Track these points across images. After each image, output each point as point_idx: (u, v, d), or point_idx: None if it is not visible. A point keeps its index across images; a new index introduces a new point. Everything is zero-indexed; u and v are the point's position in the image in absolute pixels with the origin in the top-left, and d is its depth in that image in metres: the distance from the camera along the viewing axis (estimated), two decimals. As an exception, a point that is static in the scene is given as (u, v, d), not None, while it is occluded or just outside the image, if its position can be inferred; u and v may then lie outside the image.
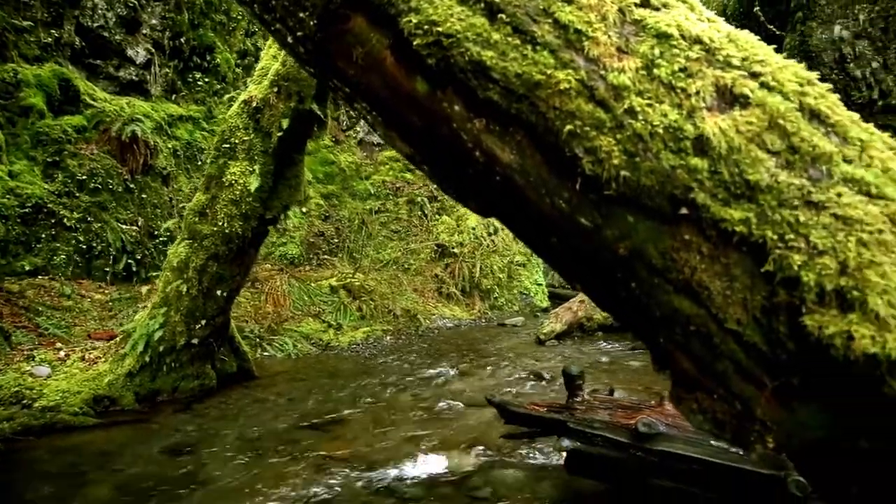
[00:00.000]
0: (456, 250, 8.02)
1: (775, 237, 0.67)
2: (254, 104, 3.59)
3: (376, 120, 1.04)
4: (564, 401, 2.41)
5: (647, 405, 2.27)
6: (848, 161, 0.70)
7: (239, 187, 3.69)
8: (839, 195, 0.67)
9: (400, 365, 5.07)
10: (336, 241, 7.87)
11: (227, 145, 3.69)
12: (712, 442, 1.99)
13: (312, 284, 7.08)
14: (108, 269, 5.35)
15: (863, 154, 0.70)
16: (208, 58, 6.51)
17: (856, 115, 0.76)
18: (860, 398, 0.67)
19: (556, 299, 8.34)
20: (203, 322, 3.77)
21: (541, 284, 8.63)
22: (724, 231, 0.70)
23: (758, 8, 9.88)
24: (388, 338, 6.41)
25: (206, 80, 6.50)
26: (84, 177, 5.27)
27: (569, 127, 0.75)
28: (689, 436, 2.02)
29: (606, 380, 4.21)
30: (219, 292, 3.78)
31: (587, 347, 5.58)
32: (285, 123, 3.60)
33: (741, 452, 1.94)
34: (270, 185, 3.77)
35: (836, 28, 10.20)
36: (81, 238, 5.26)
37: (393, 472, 2.65)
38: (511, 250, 8.36)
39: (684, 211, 0.71)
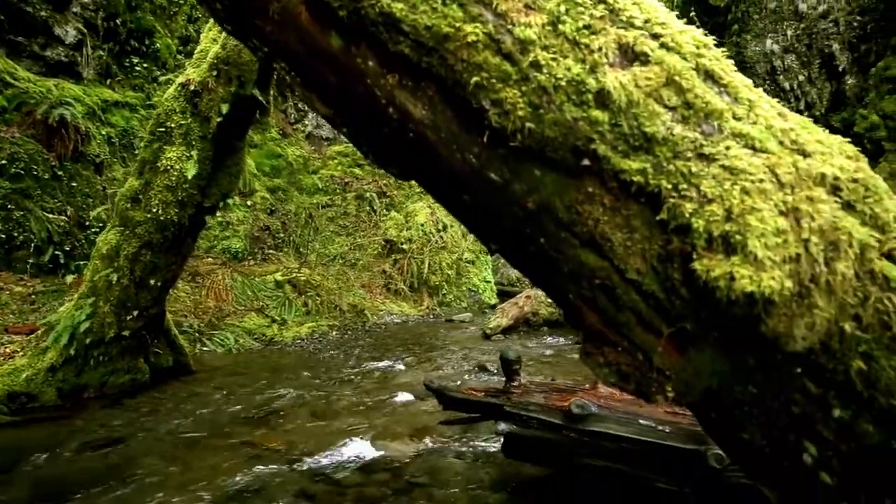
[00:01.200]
0: (405, 246, 7.99)
1: (669, 186, 0.69)
2: (192, 87, 3.46)
3: (294, 80, 1.02)
4: (502, 386, 2.44)
5: (581, 388, 2.33)
6: (737, 118, 0.73)
7: (175, 173, 3.54)
8: (728, 148, 0.70)
9: (345, 359, 5.01)
10: (282, 235, 7.69)
11: (163, 129, 3.53)
12: (641, 421, 2.05)
13: (257, 279, 6.89)
14: (31, 261, 5.02)
15: (750, 112, 0.74)
16: (147, 42, 6.22)
17: (748, 80, 0.80)
18: (744, 340, 0.70)
19: (505, 296, 8.44)
20: (135, 313, 3.59)
21: (489, 281, 8.71)
22: (624, 182, 0.72)
23: (694, 15, 10.33)
24: (334, 333, 6.31)
25: (145, 65, 6.22)
26: (3, 161, 4.93)
27: (476, 79, 0.75)
28: (619, 416, 2.08)
29: (549, 371, 4.30)
30: (153, 282, 3.62)
31: (532, 341, 5.67)
32: (225, 108, 3.48)
33: (667, 430, 2.02)
34: (209, 171, 3.64)
35: (768, 42, 10.82)
36: (0, 227, 4.91)
37: (330, 461, 2.61)
38: (460, 247, 8.40)
39: (586, 162, 0.73)
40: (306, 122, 8.74)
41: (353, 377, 4.29)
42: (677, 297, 0.71)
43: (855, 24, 9.79)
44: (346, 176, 8.66)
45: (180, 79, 3.57)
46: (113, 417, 3.31)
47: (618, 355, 0.80)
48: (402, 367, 4.65)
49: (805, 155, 0.71)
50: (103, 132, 5.71)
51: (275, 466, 2.54)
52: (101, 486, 2.37)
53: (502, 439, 2.34)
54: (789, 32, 10.33)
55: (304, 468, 2.52)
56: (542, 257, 0.83)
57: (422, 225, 8.17)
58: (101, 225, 5.35)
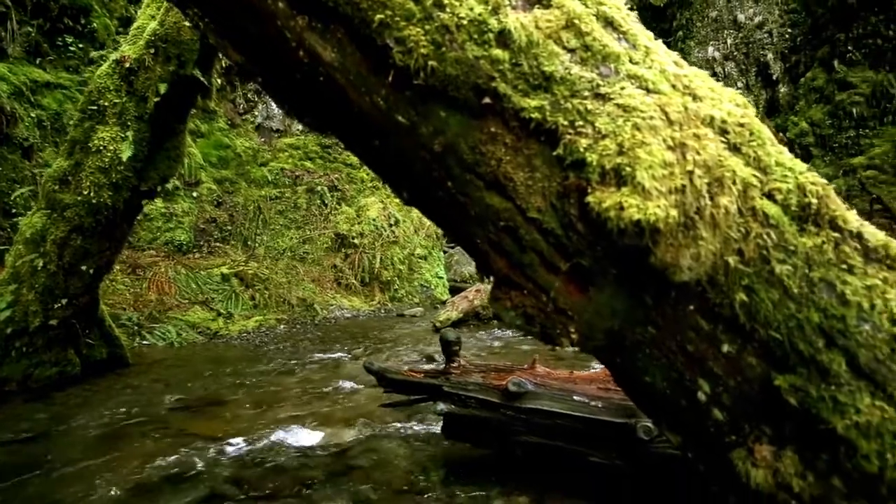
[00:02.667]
0: (356, 241, 7.90)
1: (566, 123, 0.71)
2: (127, 65, 3.31)
3: (208, 27, 0.99)
4: (443, 367, 2.44)
5: (519, 368, 2.35)
6: (634, 62, 0.75)
7: (109, 154, 3.37)
8: (623, 89, 0.72)
9: (292, 352, 4.90)
10: (229, 228, 7.47)
11: (95, 108, 3.36)
12: (574, 397, 2.10)
13: (202, 272, 6.67)
14: (-51, 249, 4.69)
15: (647, 58, 0.76)
16: (83, 21, 5.92)
17: (649, 33, 0.83)
18: (639, 277, 0.73)
19: (458, 293, 8.46)
20: (63, 301, 3.40)
21: (441, 277, 8.73)
22: (525, 120, 0.73)
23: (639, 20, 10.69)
24: (282, 327, 6.18)
25: (80, 45, 5.91)
26: (-79, 143, 4.59)
27: (380, 16, 0.74)
28: (554, 393, 2.12)
29: (496, 361, 4.32)
30: (84, 268, 3.44)
31: (482, 334, 5.71)
32: (163, 88, 3.34)
33: (599, 405, 2.06)
34: (146, 154, 3.49)
35: (710, 49, 11.30)
36: (-83, 213, 4.57)
37: (267, 447, 2.54)
38: (412, 242, 8.37)
39: (488, 101, 0.74)
40: (256, 113, 8.53)
41: (298, 368, 4.20)
42: (574, 232, 0.72)
43: (787, 35, 10.35)
44: (296, 169, 8.49)
45: (114, 55, 3.41)
46: (37, 411, 3.12)
47: (523, 298, 0.81)
48: (349, 357, 4.59)
49: (696, 98, 0.74)
50: (32, 114, 5.39)
51: (209, 453, 2.45)
52: (19, 478, 2.23)
53: (442, 420, 2.34)
54: (729, 41, 10.82)
55: (240, 454, 2.45)
56: (450, 202, 0.83)
57: (373, 219, 8.11)
58: (26, 208, 5.05)
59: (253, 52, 0.94)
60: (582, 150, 0.69)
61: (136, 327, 5.14)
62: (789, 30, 10.40)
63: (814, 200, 0.72)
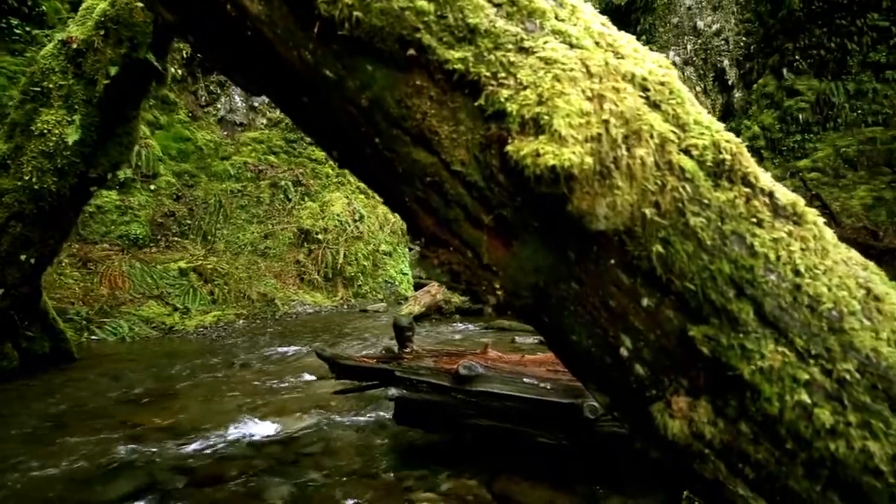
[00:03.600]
0: (319, 236, 7.80)
1: (489, 75, 0.71)
2: (74, 46, 3.18)
3: (137, -18, 0.96)
4: (395, 353, 2.43)
5: (471, 352, 2.37)
6: (559, 19, 0.76)
7: (53, 138, 3.24)
8: (546, 43, 0.73)
9: (250, 346, 4.81)
10: (189, 222, 7.28)
11: (38, 89, 3.22)
12: (524, 380, 2.12)
13: (159, 266, 6.48)
14: None
15: (572, 15, 0.78)
16: (30, 3, 5.67)
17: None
18: (560, 229, 0.74)
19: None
20: (0, 292, 3.25)
21: (406, 274, 8.70)
22: (449, 73, 0.73)
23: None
24: (241, 322, 6.06)
25: (27, 28, 5.67)
26: None
27: (305, -36, 0.74)
28: (504, 376, 2.14)
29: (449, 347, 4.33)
30: (24, 257, 3.29)
31: (443, 328, 5.72)
32: (113, 71, 3.23)
33: (548, 387, 2.09)
34: (95, 139, 3.36)
35: (671, 53, 11.61)
36: None
37: (217, 438, 2.49)
38: (377, 238, 8.32)
39: (413, 52, 0.74)
40: (218, 106, 8.34)
41: (254, 361, 4.13)
42: (496, 184, 0.73)
43: (742, 43, 10.74)
44: (260, 163, 8.34)
45: (60, 35, 3.28)
46: (-30, 405, 2.98)
47: (449, 255, 0.82)
48: (308, 350, 4.53)
49: (618, 56, 0.76)
50: (-25, 99, 5.14)
51: (155, 444, 2.39)
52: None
53: (394, 407, 2.33)
54: (689, 46, 11.15)
55: (188, 445, 2.39)
56: (379, 159, 0.83)
57: (338, 215, 8.02)
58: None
59: (183, 9, 0.92)
60: (503, 100, 0.70)
61: (84, 322, 4.96)
62: (744, 38, 10.78)
63: (728, 157, 0.75)
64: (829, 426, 0.72)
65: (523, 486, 1.96)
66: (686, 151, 0.75)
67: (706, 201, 0.74)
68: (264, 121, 8.75)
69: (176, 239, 7.07)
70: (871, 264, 0.84)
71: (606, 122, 0.67)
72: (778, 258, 0.74)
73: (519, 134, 0.69)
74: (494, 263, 0.79)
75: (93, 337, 4.95)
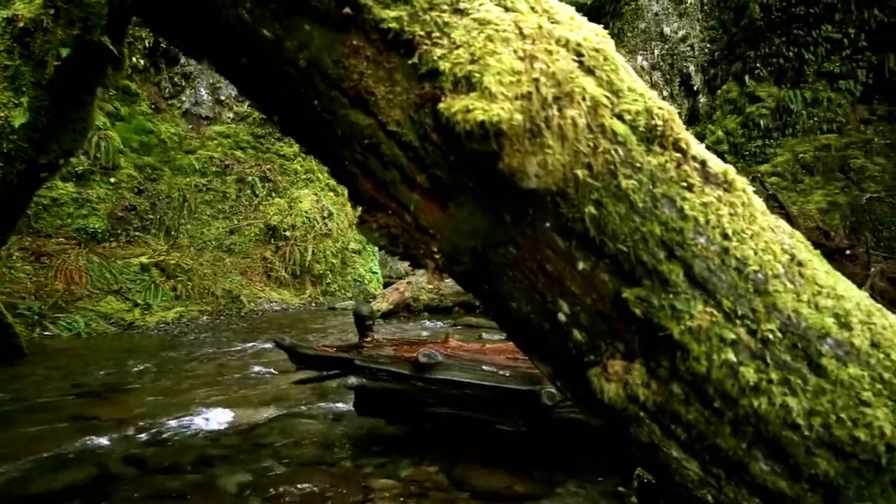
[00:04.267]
0: (287, 233, 7.70)
1: (423, 34, 0.72)
2: (21, 24, 3.07)
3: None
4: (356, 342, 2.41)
5: (432, 341, 2.36)
6: (495, -17, 0.77)
7: None
8: (481, 5, 0.74)
9: (213, 341, 4.71)
10: (151, 216, 7.09)
11: (-15, 71, 3.10)
12: (483, 367, 2.13)
13: (119, 262, 6.29)
14: None
15: (509, -19, 0.78)
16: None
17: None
18: (492, 189, 0.74)
19: (392, 287, 8.39)
20: (-55, 282, 3.11)
21: (376, 273, 8.65)
22: (384, 32, 0.73)
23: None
24: (205, 318, 5.93)
25: (-21, 12, 5.45)
26: None
27: (239, -83, 0.72)
28: (464, 363, 2.14)
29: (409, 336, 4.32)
30: (-31, 247, 3.15)
31: (410, 325, 5.70)
32: (65, 53, 3.12)
33: (507, 374, 2.10)
34: (45, 123, 3.24)
35: (639, 58, 11.85)
36: None
37: (175, 428, 2.43)
38: (346, 236, 8.25)
39: (349, 11, 0.73)
40: (183, 99, 8.15)
41: (216, 356, 4.04)
42: (429, 143, 0.73)
43: (706, 50, 11.03)
44: (226, 158, 8.17)
45: (4, 13, 3.16)
46: None
47: (388, 218, 0.81)
48: (273, 345, 4.45)
49: (553, 21, 0.77)
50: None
51: (105, 436, 2.31)
52: None
53: (354, 396, 2.31)
54: (656, 51, 11.41)
55: (140, 436, 2.33)
56: (318, 122, 0.82)
57: (306, 212, 7.92)
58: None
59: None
60: (436, 59, 0.70)
61: (36, 317, 4.78)
62: (708, 45, 11.08)
63: (660, 123, 0.77)
64: (753, 384, 0.75)
65: (482, 472, 1.96)
66: (619, 116, 0.76)
67: (638, 165, 0.75)
68: (231, 115, 8.59)
69: (137, 234, 6.88)
70: (798, 233, 0.87)
71: (537, 80, 0.68)
72: (707, 222, 0.76)
73: (451, 92, 0.70)
74: (431, 226, 0.80)
75: (45, 333, 4.78)
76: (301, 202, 8.01)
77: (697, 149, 0.81)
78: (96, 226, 6.62)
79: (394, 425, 2.38)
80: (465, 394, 2.10)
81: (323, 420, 2.56)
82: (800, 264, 0.80)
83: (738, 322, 0.75)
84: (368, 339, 2.35)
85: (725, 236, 0.76)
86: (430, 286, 5.96)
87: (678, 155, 0.77)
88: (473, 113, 0.65)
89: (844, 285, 0.82)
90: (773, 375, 0.75)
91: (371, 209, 0.83)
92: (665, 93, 11.22)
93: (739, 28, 10.41)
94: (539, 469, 1.99)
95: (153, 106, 7.79)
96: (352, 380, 2.20)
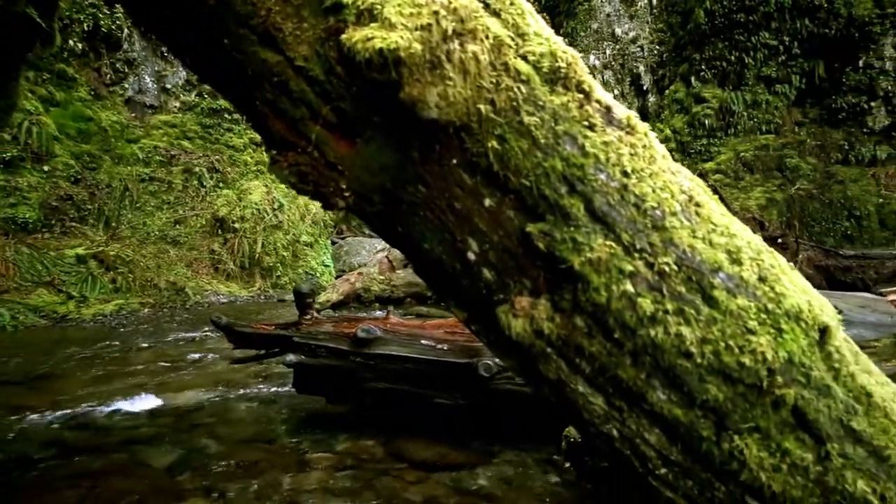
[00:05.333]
0: (236, 225, 7.50)
1: (327, -35, 0.71)
2: (-60, -8, 2.88)
3: None
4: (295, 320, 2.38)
5: (372, 318, 2.36)
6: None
7: (-85, 97, 2.91)
8: (386, -61, 0.74)
9: (153, 332, 4.55)
10: (90, 207, 6.77)
11: None
12: (422, 342, 2.14)
13: (52, 253, 5.99)
14: None
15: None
16: None
17: None
18: (398, 124, 0.75)
19: (346, 281, 8.28)
20: None
21: (328, 266, 8.53)
22: (289, -38, 0.73)
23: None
24: (147, 310, 5.72)
25: None
26: None
27: None
28: (402, 338, 2.14)
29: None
30: None
31: (361, 316, 5.66)
32: (-12, 24, 2.95)
33: (445, 348, 2.12)
34: (-35, 99, 3.05)
35: (591, 57, 12.14)
36: None
37: (101, 412, 2.34)
38: (297, 229, 8.10)
39: (252, -60, 0.72)
40: (126, 86, 7.80)
41: (155, 345, 3.90)
42: (334, 76, 0.73)
43: (655, 51, 11.41)
44: (172, 148, 7.89)
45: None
46: None
47: (298, 156, 0.81)
48: (217, 336, 4.33)
49: (459, -38, 0.78)
50: None
51: (25, 422, 2.21)
52: None
53: (293, 374, 2.28)
54: (608, 51, 11.70)
55: (64, 420, 2.23)
56: (229, 62, 0.81)
57: (256, 203, 7.74)
58: None
59: None
60: (340, -11, 0.70)
61: (-42, 309, 4.50)
62: (657, 46, 11.45)
63: (564, 65, 0.79)
64: (651, 314, 0.78)
65: (419, 445, 1.97)
66: (523, 57, 0.78)
67: (541, 103, 0.77)
68: (178, 104, 8.29)
69: (74, 224, 6.56)
70: (697, 178, 0.91)
71: (437, 13, 0.69)
72: (608, 159, 0.79)
73: (355, 25, 0.70)
74: (340, 162, 0.80)
75: (-33, 326, 4.50)
76: (251, 194, 7.82)
77: (602, 94, 0.84)
78: (27, 215, 6.27)
79: (334, 404, 2.37)
80: (404, 368, 2.10)
81: (262, 402, 2.52)
82: (697, 205, 0.84)
83: (636, 255, 0.78)
84: (308, 316, 2.32)
85: (625, 174, 0.79)
86: (382, 277, 5.93)
87: (581, 96, 0.80)
88: (373, 41, 0.66)
89: (738, 226, 0.87)
90: (669, 306, 0.79)
91: (282, 149, 0.83)
92: (616, 92, 11.53)
93: (686, 31, 10.81)
94: (477, 441, 2.02)
95: (93, 92, 7.44)
96: (290, 357, 2.18)
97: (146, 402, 2.48)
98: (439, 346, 2.10)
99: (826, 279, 6.22)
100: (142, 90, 8.05)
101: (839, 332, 0.87)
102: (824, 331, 0.84)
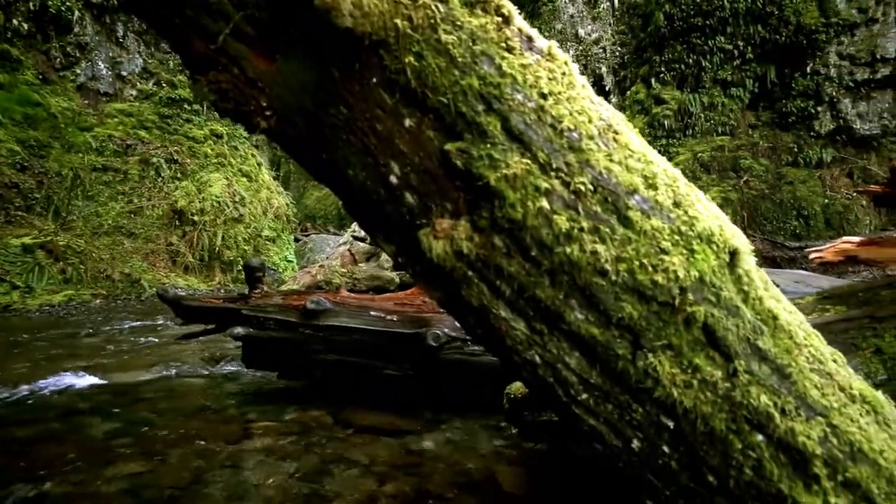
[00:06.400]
0: (196, 218, 7.32)
1: None
2: None
3: None
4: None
5: (323, 291, 2.34)
6: None
7: None
8: None
9: (104, 321, 4.40)
10: (37, 195, 6.50)
11: None
12: (371, 313, 2.13)
13: (-5, 243, 5.73)
14: None
15: None
16: None
17: None
18: (312, 33, 0.75)
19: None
20: None
21: (291, 261, 8.41)
22: None
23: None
24: (98, 301, 5.53)
25: None
26: None
27: None
28: (352, 310, 2.13)
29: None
30: None
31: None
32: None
33: (394, 319, 2.11)
34: None
35: (556, 58, 12.31)
36: None
37: (43, 388, 2.25)
38: (260, 223, 7.97)
39: None
40: (78, 71, 7.53)
41: (104, 332, 3.78)
42: (249, -18, 0.72)
43: (617, 53, 11.67)
44: (128, 137, 7.64)
45: None
46: None
47: (218, 74, 0.80)
48: (172, 324, 4.22)
49: None
50: None
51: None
52: None
53: (242, 349, 2.24)
54: (571, 52, 11.90)
55: (3, 399, 2.14)
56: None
57: (217, 196, 7.57)
58: None
59: None
60: None
61: None
62: (619, 48, 11.72)
63: (483, -11, 0.80)
64: (566, 231, 0.80)
65: (368, 414, 1.96)
66: (446, -22, 0.79)
67: (459, 23, 0.78)
68: (134, 92, 8.05)
69: (20, 213, 6.29)
70: (621, 114, 0.94)
71: (351, -82, 0.69)
72: (525, 81, 0.80)
73: (269, -75, 0.69)
74: (260, 79, 0.79)
75: None
76: (211, 186, 7.64)
77: (523, 24, 0.85)
78: (-31, 203, 5.99)
79: (284, 379, 2.34)
80: (353, 339, 2.09)
81: (211, 380, 2.47)
82: (615, 132, 0.87)
83: (552, 174, 0.80)
84: (258, 290, 2.28)
85: (542, 96, 0.81)
86: (344, 270, 5.88)
87: (499, 20, 0.81)
88: (282, -64, 0.65)
89: (656, 156, 0.90)
90: (585, 224, 0.80)
91: (203, 68, 0.81)
92: (579, 92, 11.72)
93: (647, 34, 11.09)
94: (426, 411, 2.02)
95: (41, 76, 7.16)
96: (238, 329, 2.13)
97: (88, 380, 2.40)
98: (389, 316, 2.09)
99: (773, 268, 6.48)
100: (95, 76, 7.78)
101: (749, 258, 0.90)
102: (734, 253, 0.87)
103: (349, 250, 6.35)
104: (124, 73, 7.98)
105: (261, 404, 2.08)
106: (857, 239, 1.62)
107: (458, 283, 0.86)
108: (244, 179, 8.45)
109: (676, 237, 0.84)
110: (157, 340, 3.33)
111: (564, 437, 1.42)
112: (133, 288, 6.11)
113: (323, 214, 19.06)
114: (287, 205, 9.00)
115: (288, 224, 8.85)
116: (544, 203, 0.79)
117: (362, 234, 7.24)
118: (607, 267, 0.81)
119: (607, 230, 0.81)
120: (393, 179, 0.84)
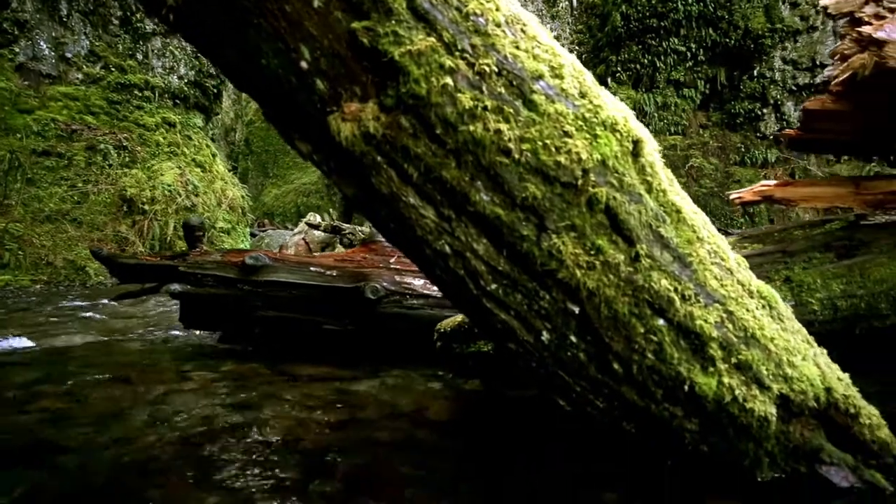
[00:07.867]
0: (146, 207, 7.08)
1: None
2: None
3: None
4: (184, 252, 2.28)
5: (265, 252, 2.31)
6: None
7: None
8: None
9: (42, 302, 4.20)
10: (-28, 180, 6.17)
11: None
12: (311, 269, 2.11)
13: (-77, 227, 5.41)
14: None
15: None
16: None
17: None
18: None
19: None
20: None
21: (249, 251, 8.24)
22: None
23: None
24: (39, 287, 5.28)
25: None
26: None
27: None
28: (291, 266, 2.11)
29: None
30: None
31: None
32: None
33: (334, 274, 2.10)
34: None
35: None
36: None
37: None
38: (214, 215, 7.77)
39: None
40: (17, 50, 7.18)
41: (41, 310, 3.61)
42: None
43: (575, 52, 11.92)
44: (74, 122, 7.34)
45: None
46: None
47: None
48: (117, 304, 4.07)
49: None
50: None
51: None
52: None
53: (179, 306, 2.19)
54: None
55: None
56: None
57: (168, 185, 7.35)
58: None
59: None
60: None
61: None
62: (577, 47, 11.97)
63: None
64: (470, 109, 0.81)
65: (306, 366, 1.94)
66: None
67: None
68: (80, 76, 7.74)
69: (-47, 198, 5.96)
70: (533, 15, 0.96)
71: None
72: (431, -38, 0.81)
73: None
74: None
75: None
76: (163, 175, 7.41)
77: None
78: None
79: (224, 341, 2.29)
80: (293, 295, 2.07)
81: (148, 343, 2.40)
82: (523, 24, 0.89)
83: (456, 54, 0.82)
84: (197, 249, 2.23)
85: (449, -22, 0.82)
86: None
87: None
88: None
89: (564, 52, 0.93)
90: (489, 103, 0.82)
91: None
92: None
93: (604, 34, 11.37)
94: (366, 364, 2.01)
95: (-22, 56, 6.80)
96: (175, 286, 2.08)
97: (16, 342, 2.29)
98: (328, 272, 2.08)
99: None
100: (36, 57, 7.45)
101: (654, 150, 0.94)
102: (637, 142, 0.91)
103: (304, 239, 6.26)
104: (69, 55, 7.67)
105: (198, 359, 2.03)
106: (773, 182, 1.71)
107: (368, 169, 0.87)
108: (198, 169, 8.23)
109: (580, 123, 0.87)
110: (99, 317, 3.22)
111: (492, 370, 1.44)
112: (78, 275, 5.87)
113: (281, 212, 18.73)
114: (242, 196, 8.82)
115: (244, 217, 8.67)
116: (448, 81, 0.81)
117: (316, 221, 7.14)
118: (511, 146, 0.83)
119: (511, 111, 0.83)
120: (304, 65, 0.84)
